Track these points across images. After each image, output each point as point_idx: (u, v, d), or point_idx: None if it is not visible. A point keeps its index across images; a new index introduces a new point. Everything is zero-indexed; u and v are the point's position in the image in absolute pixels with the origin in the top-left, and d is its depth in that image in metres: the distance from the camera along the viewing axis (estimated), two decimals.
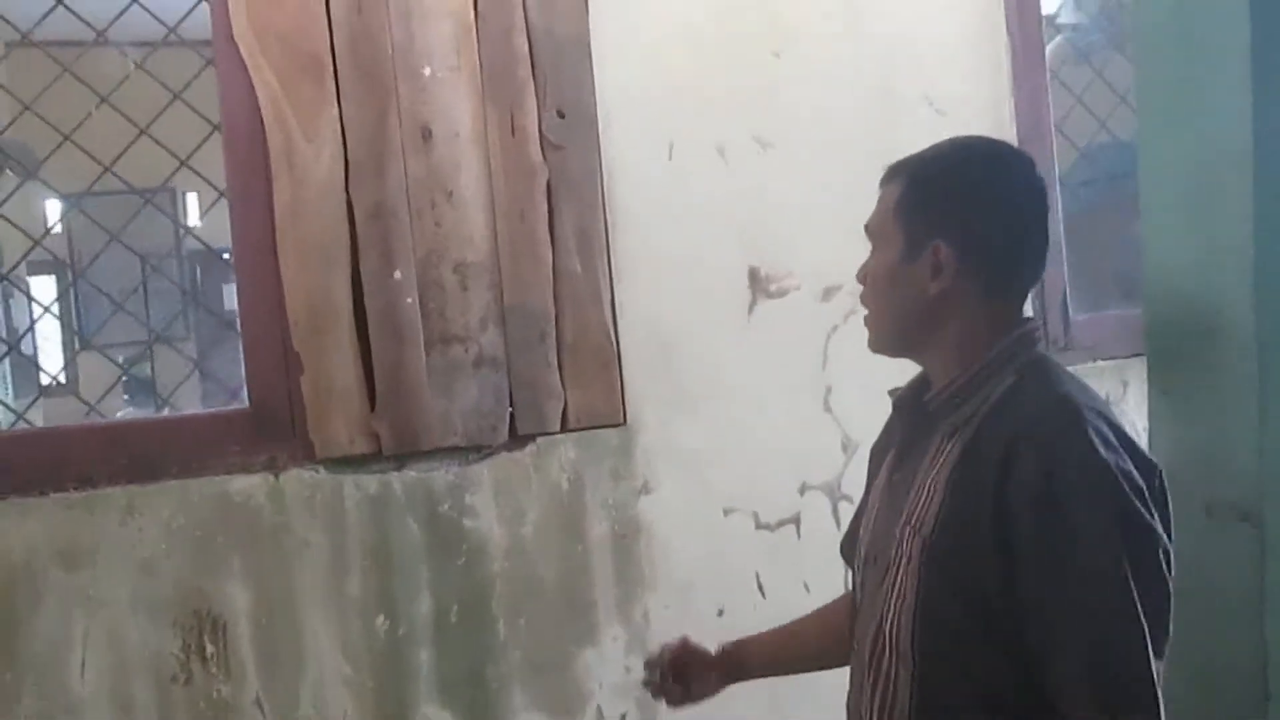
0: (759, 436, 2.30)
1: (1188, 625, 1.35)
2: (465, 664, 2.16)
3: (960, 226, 1.22)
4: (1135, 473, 1.14)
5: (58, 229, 5.86)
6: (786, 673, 1.68)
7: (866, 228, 1.33)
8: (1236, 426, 1.31)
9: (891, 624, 1.23)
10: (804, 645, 1.61)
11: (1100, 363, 2.51)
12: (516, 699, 2.18)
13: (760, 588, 2.32)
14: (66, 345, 5.65)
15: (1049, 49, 3.33)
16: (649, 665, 1.62)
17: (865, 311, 1.34)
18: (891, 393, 1.37)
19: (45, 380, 4.11)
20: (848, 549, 1.53)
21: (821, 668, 1.56)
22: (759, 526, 2.31)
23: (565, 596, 2.21)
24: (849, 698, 1.36)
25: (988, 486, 1.14)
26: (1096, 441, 1.12)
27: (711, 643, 2.28)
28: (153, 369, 5.04)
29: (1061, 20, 3.51)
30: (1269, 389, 1.28)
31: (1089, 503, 1.11)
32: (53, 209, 5.91)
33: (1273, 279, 1.28)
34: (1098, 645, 1.10)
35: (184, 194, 5.90)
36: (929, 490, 1.20)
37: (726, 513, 2.29)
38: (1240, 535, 1.31)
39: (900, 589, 1.21)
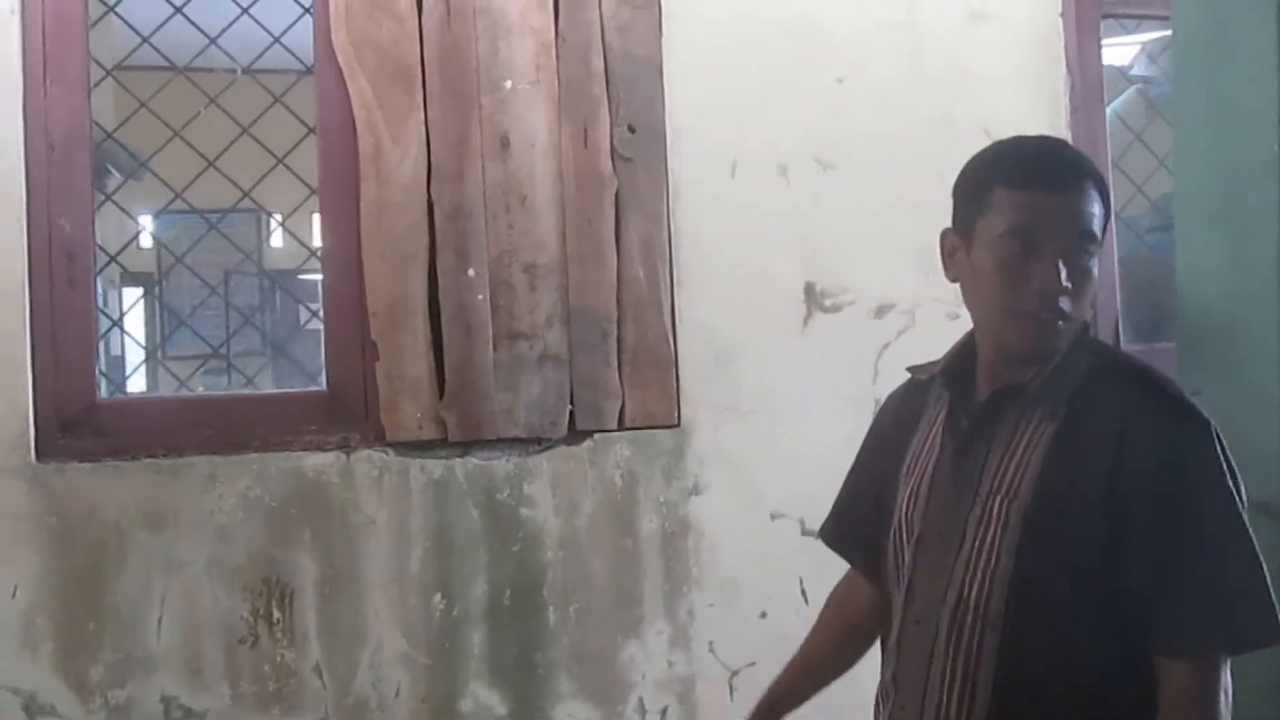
0: (808, 446, 2.37)
1: None
2: (515, 648, 2.25)
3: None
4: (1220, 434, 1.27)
5: (148, 242, 6.16)
6: (816, 692, 1.63)
7: (1085, 233, 1.26)
8: (1260, 424, 1.37)
9: (979, 592, 1.26)
10: (823, 661, 1.63)
11: None
12: (563, 685, 2.26)
13: (804, 593, 2.38)
14: (150, 354, 5.88)
15: (1120, 99, 3.41)
16: None
17: (1062, 318, 1.27)
18: (917, 370, 1.43)
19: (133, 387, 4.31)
20: (838, 535, 1.58)
21: (843, 672, 1.61)
22: (804, 533, 2.37)
23: (614, 589, 2.29)
24: (901, 672, 1.36)
25: (1101, 453, 1.22)
26: (1195, 406, 1.25)
27: (755, 645, 2.36)
28: (229, 381, 5.27)
29: (1135, 72, 3.57)
30: None
31: (1208, 457, 1.22)
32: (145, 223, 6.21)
33: None
34: (1231, 584, 1.20)
35: (268, 216, 6.14)
36: (1021, 461, 1.27)
37: (774, 518, 2.36)
38: (1263, 529, 1.36)
39: (990, 557, 1.26)
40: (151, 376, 5.16)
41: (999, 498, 1.27)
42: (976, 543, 1.28)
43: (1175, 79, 1.50)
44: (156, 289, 5.98)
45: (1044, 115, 2.53)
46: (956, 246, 1.35)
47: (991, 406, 1.31)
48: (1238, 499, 1.23)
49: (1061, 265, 1.24)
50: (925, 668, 1.31)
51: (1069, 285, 1.24)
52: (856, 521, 1.54)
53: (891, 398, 1.55)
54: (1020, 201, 1.25)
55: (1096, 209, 1.27)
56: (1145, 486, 1.21)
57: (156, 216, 5.40)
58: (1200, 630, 1.21)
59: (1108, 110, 3.00)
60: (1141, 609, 1.22)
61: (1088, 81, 2.61)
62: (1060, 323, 1.26)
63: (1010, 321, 1.27)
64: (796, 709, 1.61)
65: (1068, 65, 2.56)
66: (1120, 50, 3.58)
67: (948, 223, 2.32)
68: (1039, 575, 1.24)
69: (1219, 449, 1.23)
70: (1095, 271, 1.28)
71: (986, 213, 1.28)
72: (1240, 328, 1.36)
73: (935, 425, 1.40)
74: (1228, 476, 1.23)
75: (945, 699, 1.28)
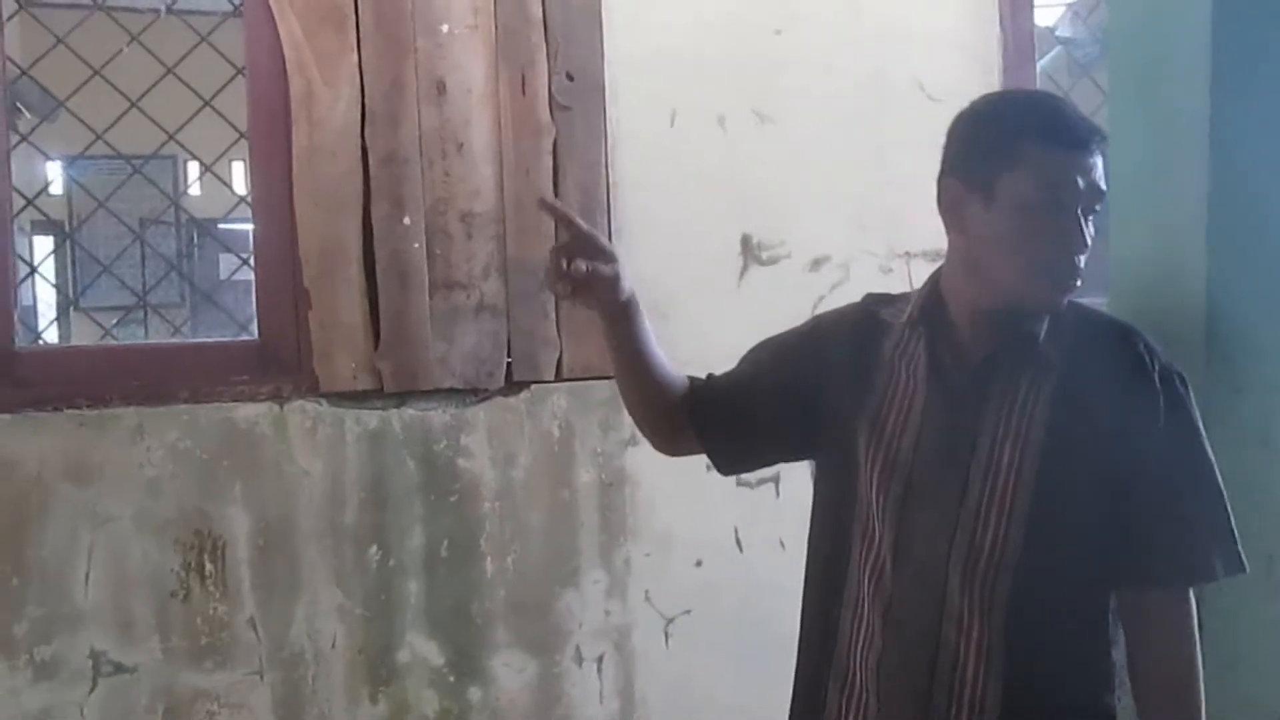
0: None
1: None
2: (452, 598, 2.25)
3: None
4: None
5: (58, 190, 5.91)
6: (632, 363, 1.45)
7: (1103, 193, 1.28)
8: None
9: (994, 539, 1.27)
10: (658, 365, 1.47)
11: None
12: (499, 635, 2.27)
13: (738, 543, 2.42)
14: (61, 306, 5.68)
15: (1047, 59, 3.47)
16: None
17: (1078, 277, 1.29)
18: (880, 303, 1.43)
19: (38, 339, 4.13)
20: (710, 402, 1.51)
21: (637, 401, 1.51)
22: (739, 484, 2.40)
23: (551, 539, 2.30)
24: (895, 637, 1.33)
25: (1109, 403, 1.27)
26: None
27: (690, 593, 2.40)
28: (146, 333, 5.11)
29: (1060, 33, 3.64)
30: (1214, 356, 1.41)
31: (1193, 407, 1.31)
32: (53, 169, 5.96)
33: (1222, 261, 1.43)
34: (1219, 519, 1.30)
35: (184, 162, 5.94)
36: (1025, 410, 1.28)
37: (708, 468, 2.36)
38: None
39: (1003, 504, 1.27)
40: (64, 328, 4.98)
41: (1008, 445, 1.28)
42: (987, 491, 1.28)
43: (1109, 41, 1.53)
44: (66, 237, 5.77)
45: (977, 74, 2.56)
46: (964, 199, 1.29)
47: (991, 360, 1.31)
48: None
49: (1086, 224, 1.25)
50: (935, 624, 1.29)
51: (1089, 244, 1.26)
52: (745, 399, 1.49)
53: (844, 317, 1.49)
54: (1057, 159, 1.23)
55: (1101, 173, 1.28)
56: (1153, 432, 1.27)
57: (70, 161, 5.19)
58: (1199, 560, 1.29)
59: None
60: (1135, 544, 1.28)
61: (1020, 41, 2.64)
62: (1077, 281, 1.27)
63: (1034, 278, 1.26)
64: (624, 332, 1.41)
65: (1001, 24, 2.59)
66: (1048, 11, 3.65)
67: (882, 177, 2.29)
68: (1053, 520, 1.26)
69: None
70: None
71: (1015, 168, 1.24)
72: (1170, 304, 1.42)
73: (909, 371, 1.36)
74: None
75: (963, 651, 1.28)
